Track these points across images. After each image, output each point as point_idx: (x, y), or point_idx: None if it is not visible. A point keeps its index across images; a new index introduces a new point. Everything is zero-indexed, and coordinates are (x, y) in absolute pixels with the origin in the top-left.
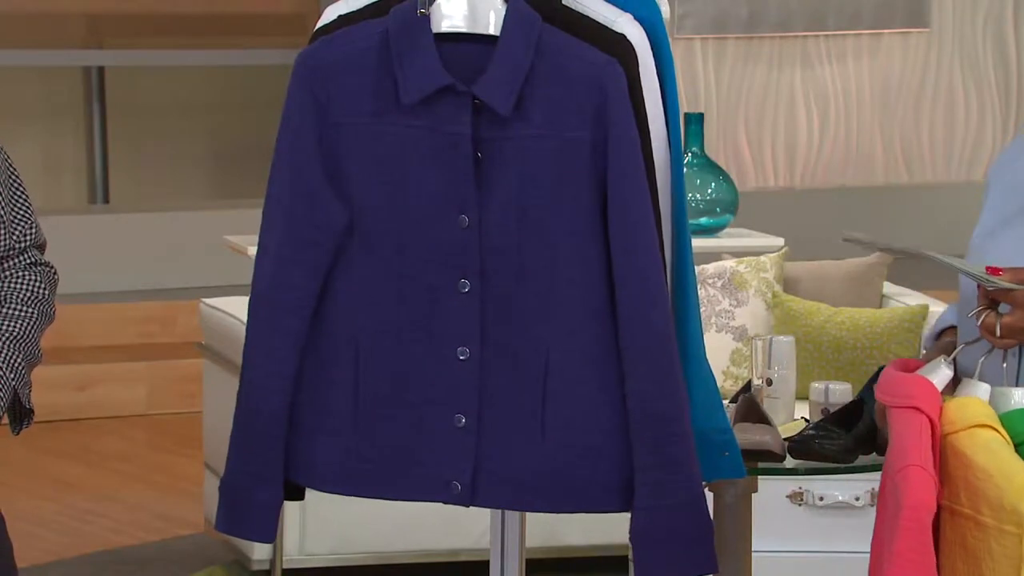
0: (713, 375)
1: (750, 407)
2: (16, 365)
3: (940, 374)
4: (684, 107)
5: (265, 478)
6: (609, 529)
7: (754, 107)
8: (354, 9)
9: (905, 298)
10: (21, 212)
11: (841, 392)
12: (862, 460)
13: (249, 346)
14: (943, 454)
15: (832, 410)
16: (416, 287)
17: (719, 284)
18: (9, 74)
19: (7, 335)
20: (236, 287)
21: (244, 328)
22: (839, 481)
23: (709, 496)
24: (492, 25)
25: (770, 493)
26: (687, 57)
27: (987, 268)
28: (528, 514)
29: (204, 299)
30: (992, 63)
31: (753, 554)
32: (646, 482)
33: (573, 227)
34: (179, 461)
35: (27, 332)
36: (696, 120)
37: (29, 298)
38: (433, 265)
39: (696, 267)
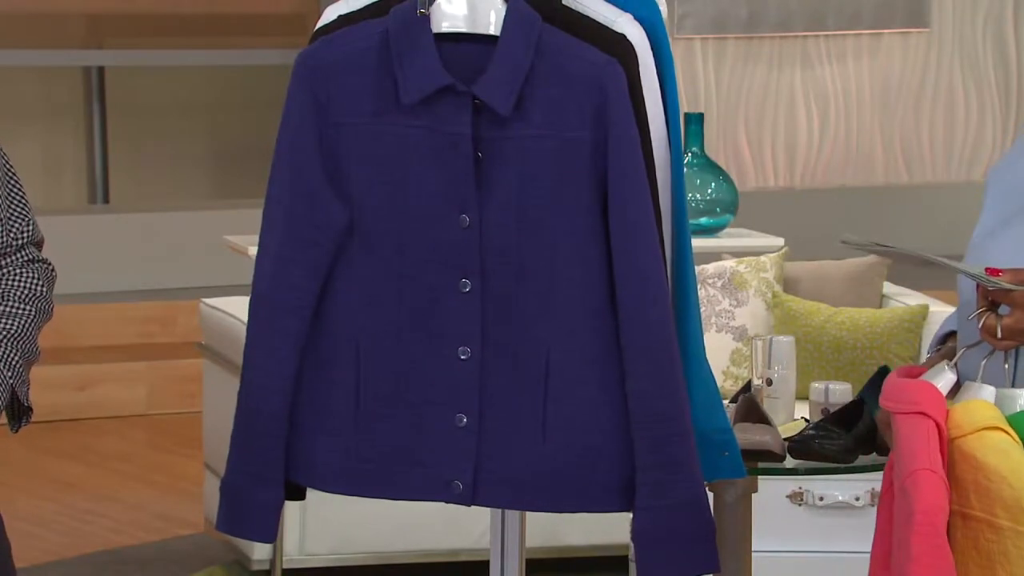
0: (713, 375)
1: (750, 407)
2: (14, 363)
3: (944, 379)
4: (684, 107)
5: (265, 478)
6: (609, 529)
7: (754, 107)
8: (354, 9)
9: (905, 298)
10: (18, 209)
11: (841, 392)
12: (862, 460)
13: (249, 346)
14: (951, 458)
15: (832, 410)
16: (416, 287)
17: (719, 284)
18: (9, 74)
19: (4, 333)
20: (236, 287)
21: (244, 328)
22: (839, 481)
23: (709, 496)
24: (492, 25)
25: (770, 493)
26: (687, 57)
27: (987, 269)
28: (528, 514)
29: (204, 299)
30: (992, 63)
31: (753, 554)
32: (647, 482)
33: (573, 227)
34: (179, 461)
35: (25, 330)
36: (696, 120)
37: (27, 295)
38: (433, 265)
39: (696, 267)
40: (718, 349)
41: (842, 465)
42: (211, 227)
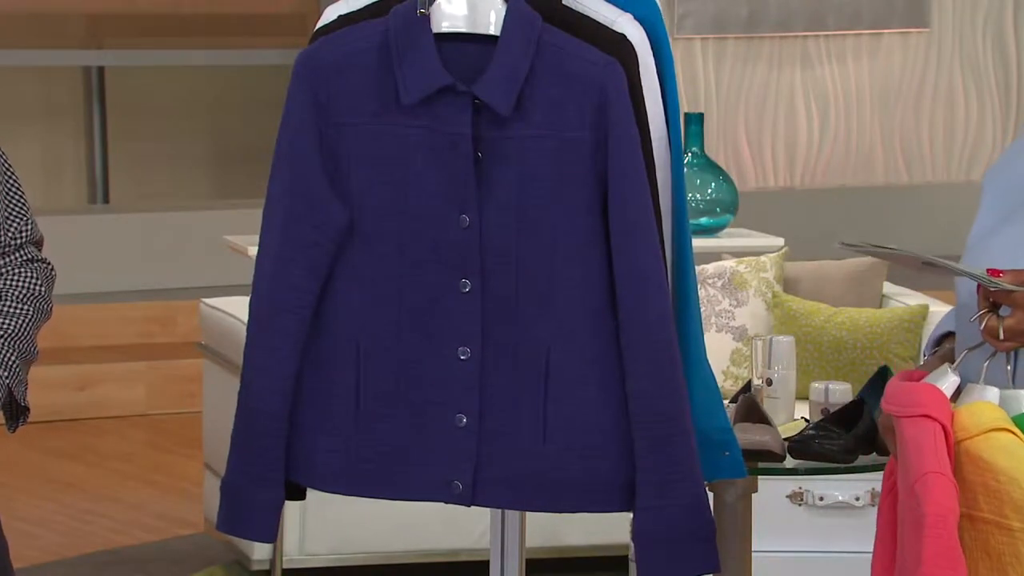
0: (713, 375)
1: (750, 407)
2: (11, 363)
3: (947, 381)
4: (684, 107)
5: (266, 478)
6: (609, 529)
7: (754, 107)
8: (354, 9)
9: (905, 298)
10: (17, 209)
11: (841, 392)
12: (862, 460)
13: (249, 346)
14: (957, 460)
15: (832, 410)
16: (416, 287)
17: (719, 284)
18: (9, 74)
19: (2, 333)
20: (236, 287)
21: (244, 328)
22: (839, 481)
23: (709, 496)
24: (492, 25)
25: (770, 493)
26: (687, 57)
27: (988, 270)
28: (528, 514)
29: (204, 299)
30: (992, 63)
31: (753, 554)
32: (647, 482)
33: (573, 227)
34: (179, 461)
35: (23, 329)
36: (696, 120)
37: (25, 295)
38: (433, 265)
39: (696, 267)
40: (718, 349)
41: (842, 465)
42: (211, 227)
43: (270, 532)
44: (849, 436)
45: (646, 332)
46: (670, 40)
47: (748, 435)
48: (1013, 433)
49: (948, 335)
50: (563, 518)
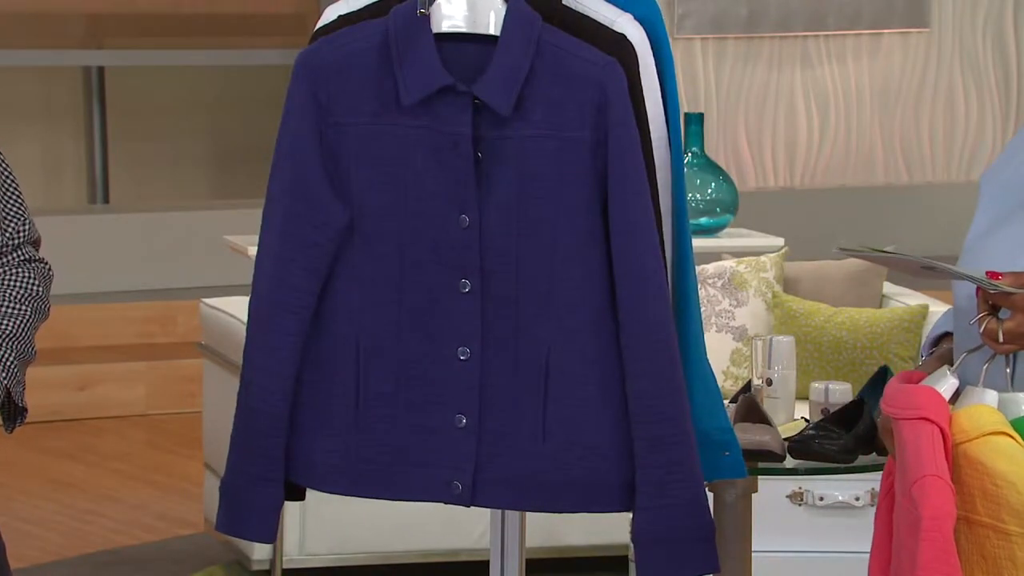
0: (713, 375)
1: (750, 407)
2: (9, 364)
3: (946, 383)
4: (684, 107)
5: (266, 478)
6: (609, 529)
7: (754, 107)
8: (354, 9)
9: (905, 298)
10: (14, 209)
11: (841, 392)
12: (862, 460)
13: (249, 346)
14: (955, 463)
15: (832, 410)
16: (417, 287)
17: (719, 284)
18: (9, 74)
19: (0, 333)
20: (236, 287)
21: (244, 328)
22: (839, 481)
23: (709, 496)
24: (492, 25)
25: (770, 493)
26: (687, 57)
27: (987, 273)
28: (528, 514)
29: (204, 299)
30: (992, 63)
31: (753, 554)
32: (647, 482)
33: (573, 227)
34: (179, 461)
35: (21, 330)
36: (696, 120)
37: (23, 295)
38: (433, 265)
39: (696, 267)
40: (718, 349)
41: (842, 465)
42: (211, 227)
43: (270, 532)
44: (849, 436)
45: (646, 332)
46: (670, 40)
47: (748, 435)
48: (1011, 437)
49: (945, 335)
50: (563, 518)
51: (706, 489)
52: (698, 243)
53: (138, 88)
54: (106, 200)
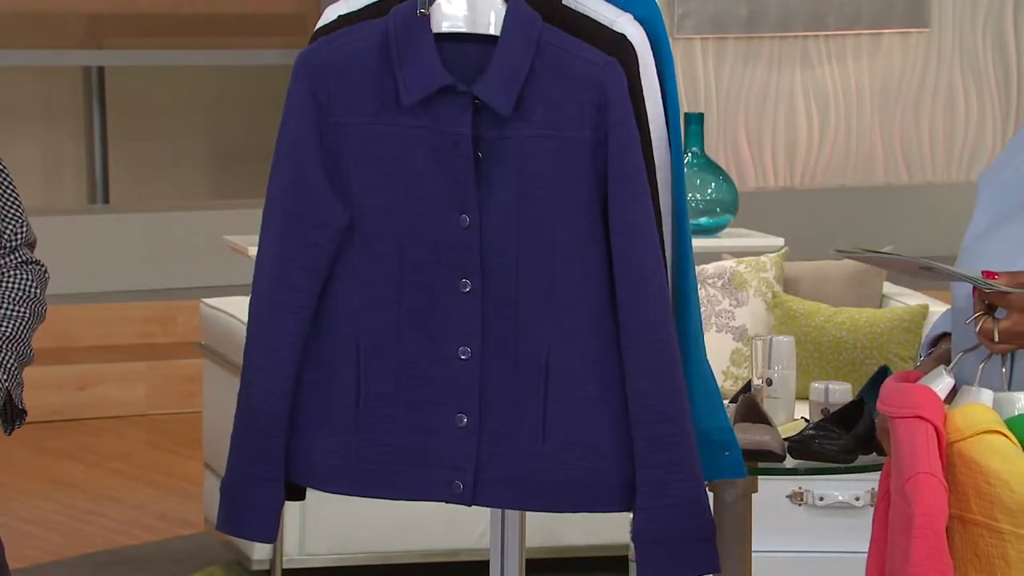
0: (713, 375)
1: (750, 407)
2: (9, 366)
3: (942, 383)
4: (684, 107)
5: (266, 478)
6: (609, 529)
7: (754, 107)
8: (354, 9)
9: (905, 298)
10: (12, 210)
11: (841, 392)
12: (862, 460)
13: (250, 346)
14: (950, 462)
15: (832, 410)
16: (417, 287)
17: (719, 284)
18: (9, 74)
19: (0, 336)
20: (236, 287)
21: (244, 328)
22: (839, 481)
23: (709, 496)
24: (492, 25)
25: (770, 493)
26: (687, 57)
27: (983, 272)
28: (528, 514)
29: (204, 299)
30: (992, 63)
31: (753, 554)
32: (647, 482)
33: (573, 227)
34: (179, 461)
35: (19, 332)
36: (696, 120)
37: (21, 297)
38: (434, 265)
39: (696, 267)
40: (718, 349)
41: (842, 465)
42: (211, 227)
43: (270, 532)
44: (849, 436)
45: (646, 332)
46: (670, 40)
47: (748, 435)
48: (1005, 436)
49: (944, 336)
50: (563, 518)
51: (706, 489)
52: (698, 243)
53: (138, 88)
54: (106, 200)
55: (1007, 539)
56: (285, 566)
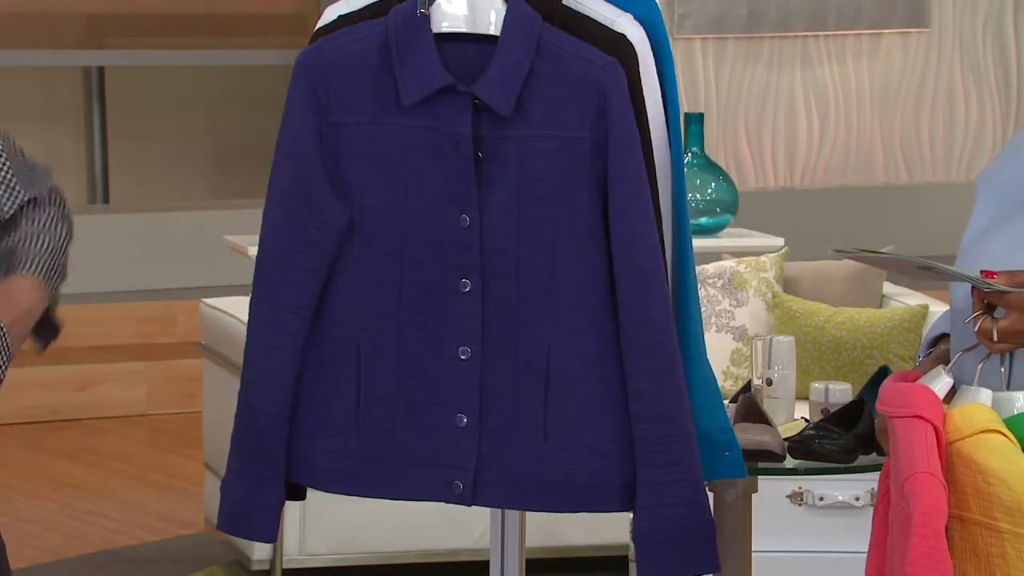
0: (713, 375)
1: (750, 407)
2: (51, 277)
3: (941, 383)
4: (684, 107)
5: (266, 478)
6: (609, 529)
7: (754, 107)
8: (354, 9)
9: (905, 298)
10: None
11: (841, 392)
12: (862, 460)
13: (250, 346)
14: (949, 461)
15: (832, 410)
16: (417, 287)
17: (719, 284)
18: (9, 74)
19: (44, 247)
20: (236, 287)
21: (244, 328)
22: (839, 481)
23: (709, 496)
24: (492, 25)
25: (770, 493)
26: (687, 57)
27: (982, 272)
28: (528, 514)
29: (204, 299)
30: (992, 63)
31: (753, 554)
32: (647, 482)
33: (573, 227)
34: (179, 461)
35: (58, 247)
36: (696, 120)
37: (53, 222)
38: (434, 265)
39: (696, 267)
40: (718, 349)
41: (842, 465)
42: (211, 227)
43: (271, 532)
44: (849, 436)
45: (646, 332)
46: (670, 40)
47: (748, 435)
48: (1004, 435)
49: (943, 336)
50: (563, 518)
51: (706, 489)
52: (698, 243)
53: (138, 88)
54: (106, 200)
55: (1006, 538)
56: (285, 566)
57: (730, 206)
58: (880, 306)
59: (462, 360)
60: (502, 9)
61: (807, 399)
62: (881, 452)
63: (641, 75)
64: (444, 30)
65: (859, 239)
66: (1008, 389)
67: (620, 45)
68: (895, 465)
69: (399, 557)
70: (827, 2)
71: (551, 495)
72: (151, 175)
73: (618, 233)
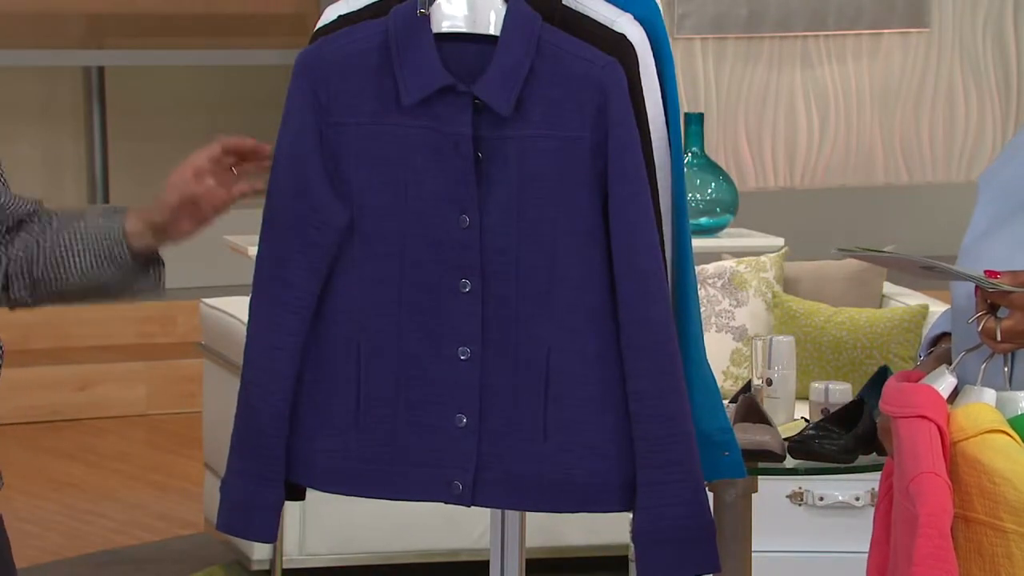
0: (713, 375)
1: (750, 407)
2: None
3: (944, 382)
4: (684, 107)
5: (266, 478)
6: (609, 529)
7: (754, 107)
8: (354, 9)
9: (905, 298)
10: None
11: (841, 392)
12: (862, 460)
13: (250, 346)
14: (953, 462)
15: (832, 410)
16: (417, 287)
17: (719, 284)
18: (9, 74)
19: (88, 224)
20: (236, 287)
21: (244, 328)
22: (839, 481)
23: (709, 496)
24: (492, 25)
25: (770, 493)
26: (687, 57)
27: (985, 272)
28: (528, 514)
29: (204, 299)
30: (992, 63)
31: (753, 554)
32: (647, 482)
33: (573, 227)
34: (179, 461)
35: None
36: (696, 120)
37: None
38: (434, 265)
39: (696, 267)
40: (718, 349)
41: (842, 465)
42: (211, 227)
43: (270, 532)
44: (849, 436)
45: (646, 332)
46: (670, 40)
47: (748, 435)
48: (1009, 435)
49: (943, 336)
50: (563, 518)
51: (706, 489)
52: (698, 243)
53: (138, 88)
54: (106, 200)
55: (1011, 538)
56: (285, 566)
57: (730, 206)
58: (880, 306)
59: (462, 360)
60: (502, 9)
61: (807, 399)
62: (881, 452)
63: (641, 75)
64: (444, 30)
65: (859, 239)
66: (1011, 389)
67: (620, 45)
68: (899, 466)
69: (399, 557)
70: (827, 2)
71: (551, 495)
72: (151, 175)
73: (618, 233)
